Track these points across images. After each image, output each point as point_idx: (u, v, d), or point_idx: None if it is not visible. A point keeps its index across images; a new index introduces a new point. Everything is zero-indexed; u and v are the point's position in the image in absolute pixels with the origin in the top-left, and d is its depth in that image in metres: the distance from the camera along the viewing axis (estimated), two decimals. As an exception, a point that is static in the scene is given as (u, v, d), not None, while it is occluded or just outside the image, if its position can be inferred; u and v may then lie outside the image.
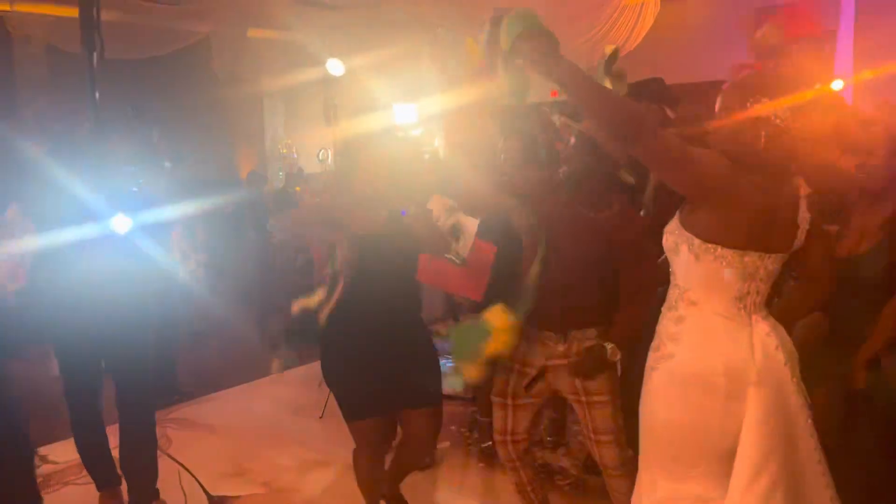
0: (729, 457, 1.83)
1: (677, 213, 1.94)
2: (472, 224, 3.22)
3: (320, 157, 9.49)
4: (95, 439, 2.93)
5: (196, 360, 5.38)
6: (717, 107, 1.92)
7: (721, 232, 1.79)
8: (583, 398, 2.49)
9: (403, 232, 2.58)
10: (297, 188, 8.72)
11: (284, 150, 10.67)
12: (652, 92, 2.90)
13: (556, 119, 2.89)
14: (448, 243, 2.96)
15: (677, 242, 1.88)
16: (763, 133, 1.79)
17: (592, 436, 2.52)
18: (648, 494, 2.00)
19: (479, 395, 3.87)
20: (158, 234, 2.98)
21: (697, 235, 1.82)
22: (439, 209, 3.17)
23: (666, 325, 1.93)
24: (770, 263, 1.83)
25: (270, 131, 10.97)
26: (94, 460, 2.92)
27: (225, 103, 9.66)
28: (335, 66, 6.89)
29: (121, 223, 2.76)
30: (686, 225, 1.86)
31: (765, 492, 1.75)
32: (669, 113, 2.78)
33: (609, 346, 2.39)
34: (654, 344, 1.96)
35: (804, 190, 1.90)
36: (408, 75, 6.70)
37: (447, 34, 7.95)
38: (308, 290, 2.73)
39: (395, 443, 2.96)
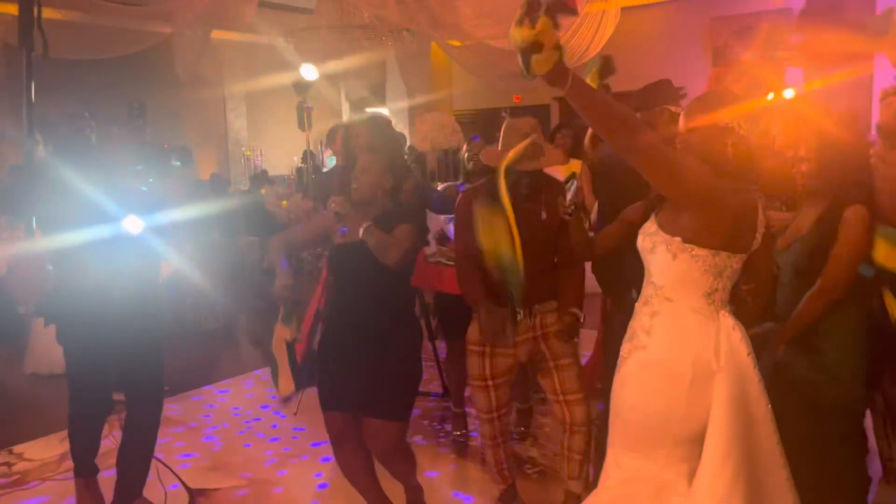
0: (688, 443, 1.99)
1: (653, 217, 2.10)
2: None
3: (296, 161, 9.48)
4: (93, 430, 2.98)
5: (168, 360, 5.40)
6: (682, 119, 2.09)
7: (700, 233, 1.94)
8: (551, 363, 2.87)
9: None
10: (263, 190, 8.73)
11: (248, 153, 10.66)
12: (663, 93, 3.07)
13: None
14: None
15: (655, 243, 2.04)
16: (729, 142, 1.97)
17: (562, 397, 2.86)
18: (614, 471, 2.14)
19: (451, 387, 4.01)
20: (166, 234, 3.04)
21: (677, 236, 1.97)
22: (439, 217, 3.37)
23: (641, 319, 2.07)
24: (735, 263, 2.00)
25: (233, 134, 10.95)
26: (84, 448, 2.96)
27: (187, 105, 9.64)
28: (309, 71, 6.94)
29: (132, 223, 2.82)
30: (665, 227, 2.02)
31: (731, 476, 1.89)
32: (675, 111, 2.97)
33: (577, 311, 2.83)
34: (627, 335, 2.11)
35: (760, 194, 2.09)
36: (376, 79, 6.81)
37: (412, 38, 8.08)
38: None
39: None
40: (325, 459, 3.57)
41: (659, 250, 2.03)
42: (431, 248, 3.58)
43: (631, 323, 2.12)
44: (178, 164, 5.59)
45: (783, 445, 2.00)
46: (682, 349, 1.98)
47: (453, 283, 3.24)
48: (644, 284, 2.12)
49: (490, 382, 2.89)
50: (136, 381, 3.03)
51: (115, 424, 3.24)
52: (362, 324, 2.66)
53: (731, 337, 1.97)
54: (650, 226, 2.10)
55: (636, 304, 2.13)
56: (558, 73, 1.71)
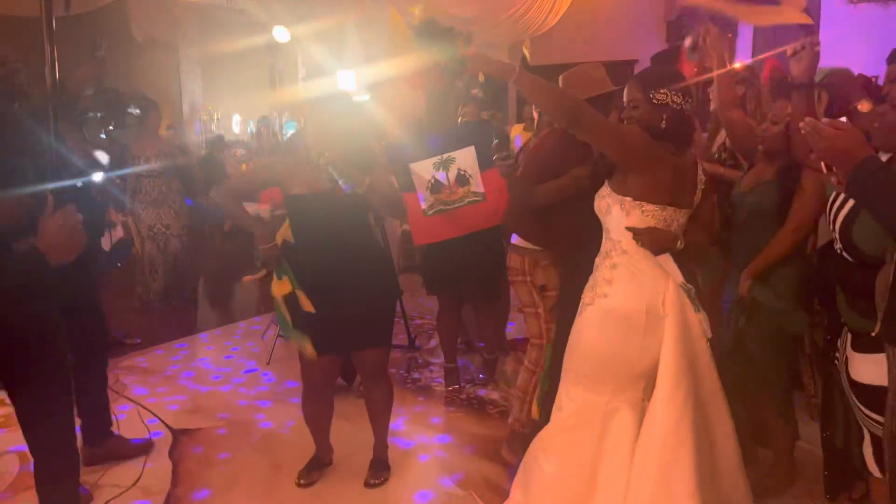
0: (637, 378, 2.29)
1: (606, 183, 2.39)
2: (471, 160, 3.53)
3: (256, 124, 9.45)
4: None
5: (140, 317, 5.57)
6: (624, 96, 2.36)
7: (647, 191, 2.24)
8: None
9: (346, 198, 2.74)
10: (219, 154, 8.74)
11: (205, 116, 10.59)
12: (625, 74, 3.29)
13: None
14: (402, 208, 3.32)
15: (609, 204, 2.32)
16: (663, 116, 2.26)
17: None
18: (566, 404, 2.43)
19: (442, 342, 4.23)
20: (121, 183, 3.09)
21: (627, 195, 2.26)
22: (426, 168, 3.50)
23: (602, 271, 2.35)
24: (681, 217, 2.30)
25: (188, 97, 10.84)
26: None
27: (142, 66, 9.51)
28: (281, 34, 6.97)
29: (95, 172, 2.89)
30: (617, 189, 2.31)
31: (682, 402, 2.19)
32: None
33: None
34: (589, 285, 2.39)
35: (698, 156, 2.38)
36: (340, 43, 6.90)
37: (375, 4, 8.16)
38: (235, 254, 2.98)
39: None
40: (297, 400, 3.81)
41: (614, 209, 2.31)
42: (426, 199, 3.60)
43: (593, 274, 2.40)
44: (137, 111, 5.50)
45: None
46: (638, 297, 2.26)
47: (455, 227, 3.47)
48: (603, 241, 2.40)
49: (539, 310, 3.13)
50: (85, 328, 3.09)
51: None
52: (339, 268, 2.80)
53: (675, 282, 2.26)
54: (604, 190, 2.39)
55: (596, 259, 2.41)
56: (500, 71, 2.13)
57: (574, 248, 2.68)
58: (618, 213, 2.30)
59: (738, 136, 2.81)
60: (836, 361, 2.30)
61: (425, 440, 3.49)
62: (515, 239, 3.14)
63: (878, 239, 1.89)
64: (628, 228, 2.25)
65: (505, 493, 2.84)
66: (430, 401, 3.97)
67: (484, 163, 3.50)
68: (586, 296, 2.39)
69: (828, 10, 8.10)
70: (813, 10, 8.31)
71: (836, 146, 1.66)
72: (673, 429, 2.17)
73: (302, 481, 3.05)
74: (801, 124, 1.72)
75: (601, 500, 2.32)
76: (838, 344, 2.28)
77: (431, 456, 3.33)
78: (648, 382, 2.31)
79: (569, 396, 2.42)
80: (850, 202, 2.02)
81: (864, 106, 2.10)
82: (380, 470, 3.10)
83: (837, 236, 2.04)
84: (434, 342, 4.88)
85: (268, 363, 4.51)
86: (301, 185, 2.78)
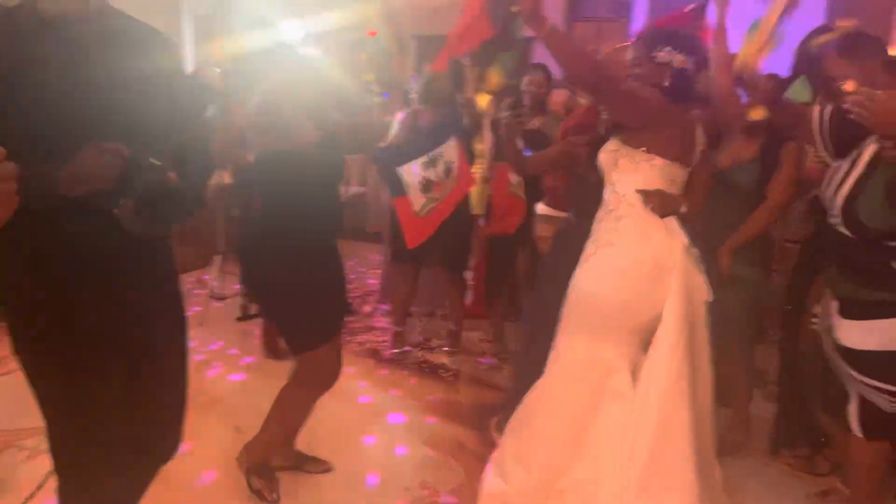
0: (637, 331, 2.35)
1: (612, 138, 2.42)
2: (456, 151, 3.48)
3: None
4: None
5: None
6: (629, 56, 2.40)
7: (660, 144, 2.29)
8: None
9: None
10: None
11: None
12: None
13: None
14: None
15: (617, 157, 2.36)
16: (666, 75, 2.32)
17: None
18: (567, 354, 2.46)
19: (394, 306, 4.14)
20: None
21: (641, 147, 2.30)
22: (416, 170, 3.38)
23: (607, 223, 2.39)
24: (683, 174, 2.37)
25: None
26: None
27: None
28: (228, -19, 6.46)
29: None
30: (628, 143, 2.34)
31: (682, 354, 2.27)
32: None
33: None
34: (593, 238, 2.42)
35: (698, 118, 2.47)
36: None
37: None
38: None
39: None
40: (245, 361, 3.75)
41: (622, 163, 2.35)
42: (418, 200, 3.48)
43: (595, 226, 2.43)
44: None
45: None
46: (644, 248, 2.32)
47: (441, 215, 3.48)
48: (606, 196, 2.43)
49: None
50: None
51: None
52: (330, 238, 2.49)
53: (682, 240, 2.34)
54: (611, 144, 2.42)
55: (598, 213, 2.44)
56: (537, 20, 2.09)
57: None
58: (626, 166, 2.34)
59: (724, 105, 2.87)
60: (812, 326, 2.47)
61: (387, 402, 3.46)
62: (543, 209, 3.14)
63: (883, 214, 2.04)
64: (639, 191, 2.30)
65: (477, 456, 2.88)
66: (381, 364, 3.93)
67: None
68: (589, 248, 2.42)
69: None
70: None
71: (891, 108, 1.72)
72: (674, 387, 2.25)
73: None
74: (850, 97, 1.80)
75: (593, 454, 2.38)
76: (814, 310, 2.45)
77: (397, 418, 3.30)
78: (645, 337, 2.36)
79: (570, 347, 2.44)
80: (851, 179, 2.15)
81: (849, 86, 2.23)
82: None
83: (839, 212, 2.17)
84: (367, 307, 4.85)
85: (201, 324, 4.29)
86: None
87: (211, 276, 4.67)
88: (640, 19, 9.37)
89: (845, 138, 2.27)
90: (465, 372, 3.85)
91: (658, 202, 2.30)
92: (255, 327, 4.26)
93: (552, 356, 2.53)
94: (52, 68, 1.48)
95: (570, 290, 2.46)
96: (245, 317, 4.48)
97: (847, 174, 2.18)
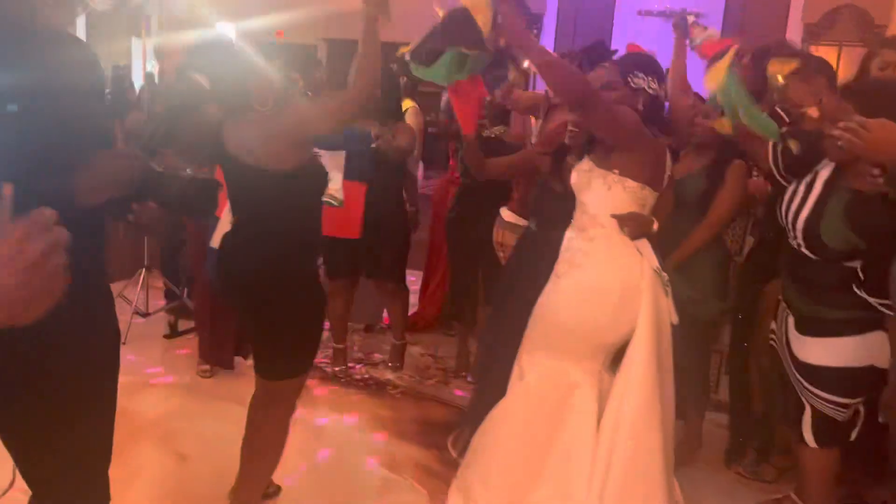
0: (602, 350, 2.39)
1: (586, 158, 2.44)
2: (339, 165, 3.37)
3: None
4: None
5: None
6: (603, 79, 2.44)
7: (632, 167, 2.32)
8: None
9: None
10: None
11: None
12: (598, 54, 3.26)
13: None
14: None
15: (590, 178, 2.38)
16: (640, 100, 2.38)
17: None
18: (529, 370, 2.46)
19: (332, 322, 3.99)
20: None
21: (613, 169, 2.32)
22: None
23: (578, 243, 2.39)
24: (653, 198, 2.41)
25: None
26: None
27: None
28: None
29: None
30: (601, 164, 2.36)
31: (653, 381, 2.30)
32: None
33: None
34: (564, 258, 2.42)
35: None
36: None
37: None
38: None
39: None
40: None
41: (595, 184, 2.37)
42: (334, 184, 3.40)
43: (566, 245, 2.44)
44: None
45: None
46: (614, 270, 2.35)
47: (336, 225, 3.34)
48: (577, 216, 2.45)
49: None
50: None
51: None
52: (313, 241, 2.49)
53: (651, 262, 2.38)
54: (584, 165, 2.44)
55: (567, 232, 2.45)
56: (525, 41, 2.23)
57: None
58: (599, 188, 2.36)
59: (679, 123, 2.94)
60: (772, 342, 2.57)
61: (335, 420, 3.35)
62: (508, 216, 3.11)
63: (844, 236, 2.14)
64: (613, 216, 2.32)
65: (438, 476, 2.83)
66: (324, 382, 3.80)
67: (353, 171, 3.45)
68: (560, 267, 2.43)
69: (619, 20, 9.36)
70: (606, 19, 9.33)
71: (882, 137, 1.78)
72: (647, 405, 2.29)
73: None
74: (840, 124, 1.86)
75: (559, 472, 2.38)
76: (773, 326, 2.54)
77: (349, 437, 3.20)
78: (608, 356, 2.41)
79: (533, 364, 2.44)
80: (810, 202, 2.25)
81: (814, 111, 2.34)
82: None
83: (800, 234, 2.26)
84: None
85: (124, 342, 4.01)
86: None
87: (135, 291, 4.39)
88: (549, 35, 9.64)
89: (801, 161, 2.38)
90: (411, 388, 3.79)
91: (633, 225, 2.33)
92: (185, 347, 4.06)
93: (515, 374, 2.52)
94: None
95: (536, 307, 2.46)
96: (173, 334, 4.25)
97: (805, 198, 2.28)
